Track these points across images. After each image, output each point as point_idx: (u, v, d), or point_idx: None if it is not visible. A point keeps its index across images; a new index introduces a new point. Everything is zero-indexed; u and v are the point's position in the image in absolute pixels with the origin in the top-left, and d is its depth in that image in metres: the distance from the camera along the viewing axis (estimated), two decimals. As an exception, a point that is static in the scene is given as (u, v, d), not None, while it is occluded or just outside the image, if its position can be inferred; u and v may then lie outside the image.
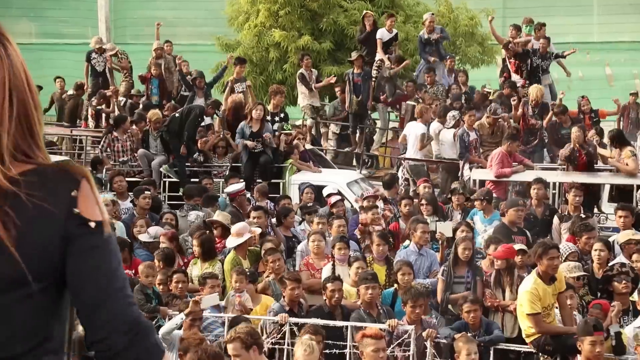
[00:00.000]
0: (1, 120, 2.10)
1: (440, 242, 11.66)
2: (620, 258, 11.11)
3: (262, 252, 11.04)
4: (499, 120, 16.09)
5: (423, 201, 13.13)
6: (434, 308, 10.16)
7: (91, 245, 2.10)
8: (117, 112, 19.07)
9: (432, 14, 19.80)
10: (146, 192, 13.52)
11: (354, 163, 18.98)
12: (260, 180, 15.46)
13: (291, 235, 12.70)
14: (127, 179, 16.02)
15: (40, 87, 21.17)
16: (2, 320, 2.06)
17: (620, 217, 12.07)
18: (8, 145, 2.08)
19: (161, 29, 20.60)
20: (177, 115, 16.43)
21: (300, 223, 13.19)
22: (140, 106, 18.88)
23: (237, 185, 13.91)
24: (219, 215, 12.43)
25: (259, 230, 11.64)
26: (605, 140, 15.67)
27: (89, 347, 2.15)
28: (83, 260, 2.09)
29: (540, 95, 16.71)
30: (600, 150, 14.98)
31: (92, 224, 2.09)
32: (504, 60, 19.14)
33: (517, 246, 10.75)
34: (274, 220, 12.74)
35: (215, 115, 17.71)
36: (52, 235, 2.07)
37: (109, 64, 20.46)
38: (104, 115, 19.56)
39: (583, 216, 12.56)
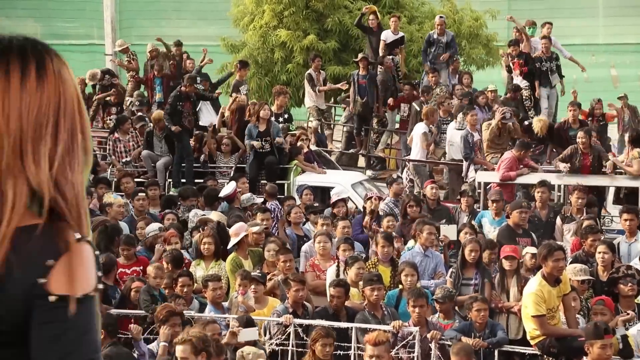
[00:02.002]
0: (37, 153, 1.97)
1: (443, 245, 11.66)
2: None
3: (266, 252, 11.05)
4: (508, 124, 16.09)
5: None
6: (457, 314, 10.07)
7: (49, 319, 1.93)
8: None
9: (442, 17, 19.75)
10: (140, 193, 13.56)
11: (359, 164, 18.96)
12: (265, 182, 15.48)
13: (303, 234, 12.73)
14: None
15: None
16: None
17: (625, 220, 12.04)
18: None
19: (166, 29, 20.67)
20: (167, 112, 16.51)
21: (304, 224, 13.21)
22: (154, 108, 18.91)
23: (229, 188, 13.92)
24: (213, 215, 12.48)
25: (255, 229, 11.62)
26: (615, 143, 15.60)
27: None
28: (39, 333, 1.94)
29: (545, 127, 16.61)
30: (612, 158, 14.79)
31: (52, 298, 1.92)
32: (507, 58, 19.05)
33: (528, 249, 10.77)
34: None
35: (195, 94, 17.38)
36: (17, 299, 1.94)
37: (117, 62, 20.53)
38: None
39: (586, 217, 12.54)
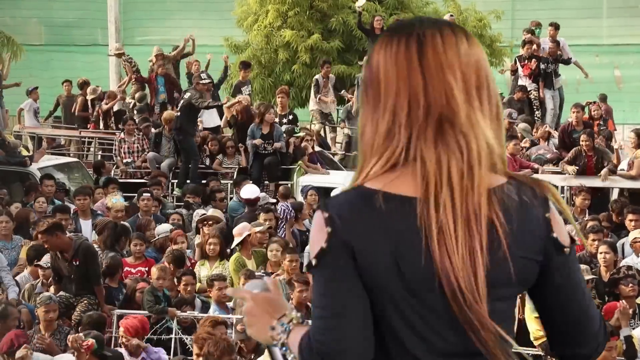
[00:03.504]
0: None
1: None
2: (632, 258, 11.10)
3: (269, 252, 11.08)
4: (514, 124, 16.10)
5: None
6: None
7: (568, 265, 2.16)
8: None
9: (452, 16, 19.73)
10: (145, 194, 13.56)
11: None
12: (267, 182, 15.50)
13: (305, 229, 12.76)
14: (133, 180, 16.13)
15: (36, 88, 21.18)
16: (508, 324, 2.13)
17: (630, 220, 12.04)
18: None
19: (170, 30, 20.68)
20: (177, 114, 16.50)
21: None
22: (157, 109, 18.92)
23: (253, 191, 13.86)
24: (212, 212, 12.50)
25: (258, 228, 11.64)
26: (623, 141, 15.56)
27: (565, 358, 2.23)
28: (565, 277, 2.16)
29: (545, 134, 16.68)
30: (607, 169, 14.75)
31: (567, 250, 2.14)
32: (516, 61, 19.03)
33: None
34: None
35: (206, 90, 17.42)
36: (535, 248, 2.11)
37: (122, 64, 20.61)
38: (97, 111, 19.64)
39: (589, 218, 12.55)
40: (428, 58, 2.11)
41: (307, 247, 11.55)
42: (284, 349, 2.19)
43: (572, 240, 2.17)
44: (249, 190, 13.88)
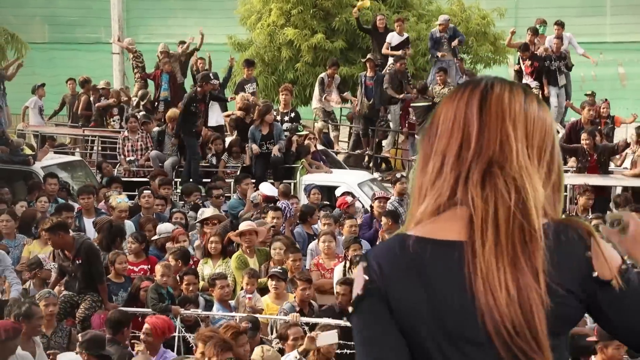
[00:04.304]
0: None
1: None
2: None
3: (272, 250, 11.09)
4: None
5: None
6: None
7: (619, 295, 2.11)
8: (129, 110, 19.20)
9: (448, 19, 19.72)
10: (146, 191, 13.56)
11: (369, 165, 18.96)
12: (272, 181, 15.50)
13: (312, 232, 12.77)
14: (135, 179, 16.14)
15: (43, 85, 21.20)
16: None
17: (634, 219, 12.00)
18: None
19: (173, 28, 20.71)
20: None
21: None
22: (160, 107, 18.93)
23: (271, 189, 13.98)
24: (208, 211, 12.52)
25: (262, 228, 11.66)
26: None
27: None
28: (618, 307, 2.12)
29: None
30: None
31: (613, 283, 2.10)
32: (518, 60, 19.04)
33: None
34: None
35: (212, 90, 17.48)
36: (574, 286, 2.09)
37: (131, 59, 20.65)
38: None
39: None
40: (489, 106, 2.12)
41: (308, 249, 11.61)
42: None
43: (623, 260, 2.14)
44: (269, 188, 14.00)
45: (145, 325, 8.75)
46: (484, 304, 2.02)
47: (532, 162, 2.11)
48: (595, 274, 2.09)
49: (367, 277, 2.10)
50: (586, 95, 18.78)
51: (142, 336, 8.75)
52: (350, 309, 2.14)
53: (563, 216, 2.16)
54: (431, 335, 2.06)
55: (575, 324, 2.17)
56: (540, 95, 18.04)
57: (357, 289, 2.12)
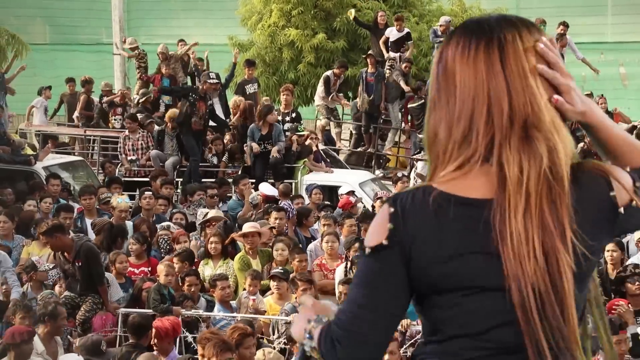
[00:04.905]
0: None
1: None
2: (639, 257, 11.08)
3: (275, 251, 11.07)
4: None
5: None
6: None
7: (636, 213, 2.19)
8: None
9: (449, 20, 19.71)
10: (147, 192, 13.54)
11: (370, 162, 18.96)
12: (271, 181, 15.49)
13: (310, 235, 12.73)
14: (136, 178, 16.12)
15: (49, 87, 21.26)
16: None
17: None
18: None
19: (174, 29, 20.71)
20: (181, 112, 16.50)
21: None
22: (162, 107, 18.93)
23: (271, 189, 13.96)
24: (212, 212, 12.51)
25: (266, 230, 11.64)
26: None
27: None
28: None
29: None
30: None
31: (634, 204, 2.17)
32: None
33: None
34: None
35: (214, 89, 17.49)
36: (600, 225, 2.15)
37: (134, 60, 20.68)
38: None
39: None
40: (509, 64, 2.10)
41: (308, 250, 11.58)
42: (307, 335, 2.22)
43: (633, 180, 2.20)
44: (269, 188, 14.00)
45: (152, 330, 8.74)
46: (512, 274, 2.04)
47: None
48: (620, 210, 2.15)
49: (392, 226, 2.09)
50: (586, 95, 18.75)
51: (152, 341, 8.74)
52: (368, 250, 2.13)
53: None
54: (449, 288, 2.09)
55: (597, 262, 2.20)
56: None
57: (381, 236, 2.11)
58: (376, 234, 2.12)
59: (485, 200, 2.08)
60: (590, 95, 18.15)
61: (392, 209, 2.11)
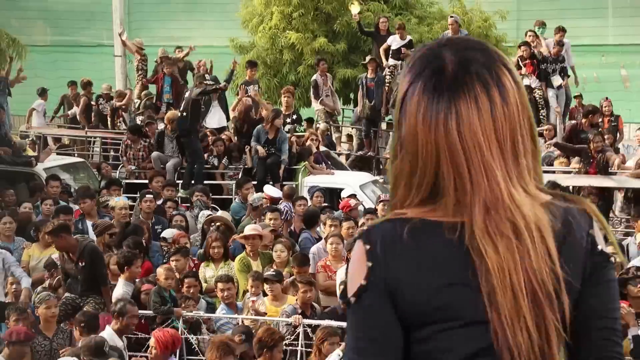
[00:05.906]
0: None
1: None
2: (639, 260, 11.10)
3: (274, 253, 11.08)
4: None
5: None
6: None
7: (610, 278, 2.07)
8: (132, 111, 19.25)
9: (454, 17, 19.69)
10: (148, 195, 13.53)
11: (370, 166, 18.96)
12: (272, 183, 15.50)
13: (318, 237, 12.74)
14: (137, 180, 16.11)
15: (45, 90, 21.27)
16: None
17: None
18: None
19: (175, 31, 20.73)
20: (183, 114, 16.41)
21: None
22: (163, 107, 18.94)
23: (276, 191, 13.99)
24: (220, 214, 12.52)
25: (268, 232, 11.65)
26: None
27: None
28: (605, 290, 2.06)
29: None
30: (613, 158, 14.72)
31: (612, 259, 2.07)
32: (518, 61, 19.03)
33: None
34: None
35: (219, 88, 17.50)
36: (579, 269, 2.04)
37: (136, 61, 20.71)
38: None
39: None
40: (465, 138, 1.97)
41: (311, 252, 11.59)
42: None
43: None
44: (273, 190, 14.02)
45: (151, 339, 8.75)
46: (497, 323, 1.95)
47: (515, 165, 2.00)
48: (599, 248, 2.04)
49: (370, 264, 2.00)
50: (575, 97, 18.82)
51: (149, 351, 8.75)
52: (352, 299, 2.04)
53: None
54: (438, 320, 1.99)
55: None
56: (543, 97, 18.16)
57: (359, 278, 2.02)
58: (356, 277, 2.03)
59: (457, 223, 1.98)
60: (580, 97, 18.15)
61: (367, 246, 2.02)
